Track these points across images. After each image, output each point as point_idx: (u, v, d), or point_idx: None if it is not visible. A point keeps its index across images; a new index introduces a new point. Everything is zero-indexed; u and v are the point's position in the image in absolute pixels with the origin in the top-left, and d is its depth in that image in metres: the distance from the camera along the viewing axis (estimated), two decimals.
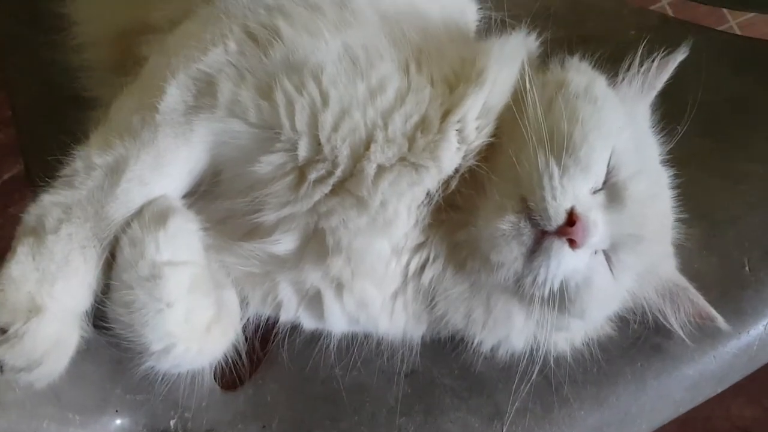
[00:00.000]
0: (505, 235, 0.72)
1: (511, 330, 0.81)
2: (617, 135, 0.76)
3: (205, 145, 0.75)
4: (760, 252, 0.91)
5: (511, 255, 0.72)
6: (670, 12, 1.83)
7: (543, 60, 0.88)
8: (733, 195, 0.93)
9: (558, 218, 0.71)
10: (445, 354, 0.85)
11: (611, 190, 0.75)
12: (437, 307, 0.80)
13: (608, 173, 0.75)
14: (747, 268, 0.90)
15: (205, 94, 0.73)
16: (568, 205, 0.71)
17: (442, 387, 0.85)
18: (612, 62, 0.86)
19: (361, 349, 0.84)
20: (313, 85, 0.73)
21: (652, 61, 0.85)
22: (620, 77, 0.85)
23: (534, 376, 0.81)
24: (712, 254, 0.90)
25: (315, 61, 0.74)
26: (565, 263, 0.72)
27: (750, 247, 0.91)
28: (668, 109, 0.87)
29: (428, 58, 0.78)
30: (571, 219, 0.71)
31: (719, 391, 0.91)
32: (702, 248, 0.90)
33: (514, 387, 0.81)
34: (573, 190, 0.72)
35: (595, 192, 0.75)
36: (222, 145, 0.75)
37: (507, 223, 0.71)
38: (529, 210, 0.71)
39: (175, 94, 0.73)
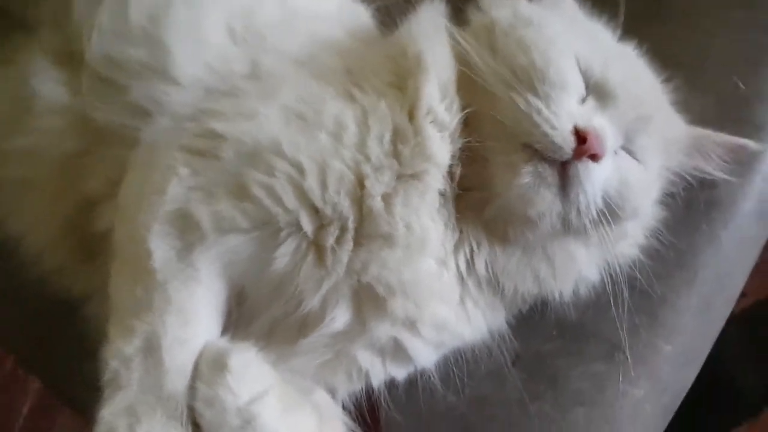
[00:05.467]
0: (531, 187, 0.70)
1: (580, 266, 0.79)
2: (571, 40, 0.75)
3: (215, 275, 0.71)
4: (741, 66, 0.90)
5: (546, 201, 0.70)
6: None
7: (457, 15, 0.86)
8: (689, 33, 0.93)
9: (568, 143, 0.69)
10: (536, 323, 0.82)
11: (596, 91, 0.74)
12: (505, 287, 0.78)
13: (584, 78, 0.74)
14: (741, 86, 0.89)
15: (187, 230, 0.70)
16: (569, 127, 0.69)
17: (550, 354, 0.82)
18: None
19: (460, 366, 0.81)
20: (280, 161, 0.70)
21: None
22: None
23: (624, 293, 0.79)
24: (704, 93, 0.88)
25: (267, 139, 0.70)
26: (597, 179, 0.70)
27: (731, 68, 0.90)
28: None
29: (362, 75, 0.76)
30: (581, 137, 0.69)
31: None
32: (693, 92, 0.88)
33: (613, 315, 0.79)
34: (565, 111, 0.70)
35: (583, 101, 0.73)
36: (231, 265, 0.71)
37: (526, 175, 0.69)
38: (538, 152, 0.70)
39: (161, 247, 0.70)
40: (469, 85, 0.74)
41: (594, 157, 0.69)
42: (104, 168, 0.79)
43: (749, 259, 0.87)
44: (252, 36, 0.79)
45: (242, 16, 0.80)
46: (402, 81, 0.75)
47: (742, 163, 0.84)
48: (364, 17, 0.93)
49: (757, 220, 0.87)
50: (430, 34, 0.76)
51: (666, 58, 0.85)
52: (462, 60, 0.75)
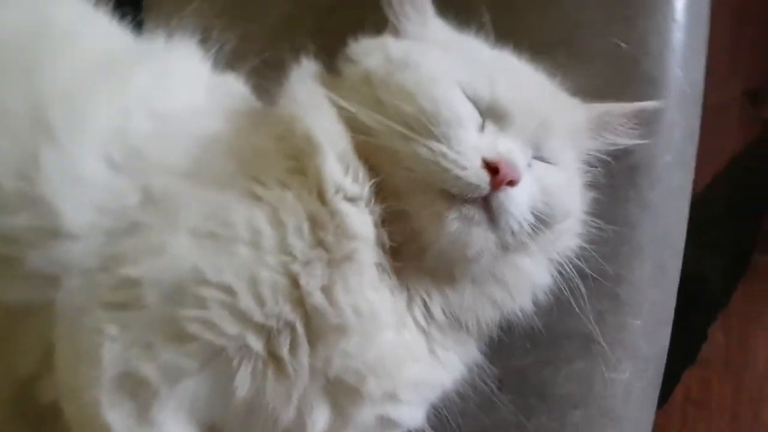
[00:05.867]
0: (461, 231, 0.69)
1: (531, 277, 0.78)
2: (450, 70, 0.73)
3: (182, 424, 0.67)
4: (617, 26, 0.90)
5: (480, 239, 0.69)
6: None
7: (328, 66, 0.83)
8: (557, 10, 0.92)
9: (482, 179, 0.68)
10: (508, 343, 0.82)
11: (491, 114, 0.73)
12: (468, 322, 0.77)
13: (476, 105, 0.73)
14: (623, 45, 0.89)
15: (138, 390, 0.66)
16: (478, 162, 0.68)
17: (531, 368, 0.83)
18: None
19: (450, 409, 0.80)
20: (207, 290, 0.66)
21: None
22: (391, 23, 0.82)
23: (579, 285, 0.79)
24: (589, 64, 0.88)
25: (185, 271, 0.67)
26: (520, 201, 0.70)
27: (608, 31, 0.90)
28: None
29: (259, 168, 0.72)
30: (492, 168, 0.68)
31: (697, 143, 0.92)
32: (578, 67, 0.88)
33: (576, 309, 0.79)
34: (469, 147, 0.69)
35: (482, 128, 0.72)
36: (194, 409, 0.68)
37: (452, 222, 0.68)
38: (455, 195, 0.68)
39: (117, 418, 0.66)
40: (368, 147, 0.72)
41: (511, 183, 0.68)
42: (32, 345, 0.74)
43: (683, 208, 0.89)
44: (131, 158, 0.74)
45: (115, 140, 0.74)
46: (300, 163, 0.72)
47: (648, 123, 0.84)
48: (236, 89, 0.89)
49: (679, 170, 0.88)
50: (312, 106, 0.74)
51: (542, 42, 0.84)
52: (352, 123, 0.73)
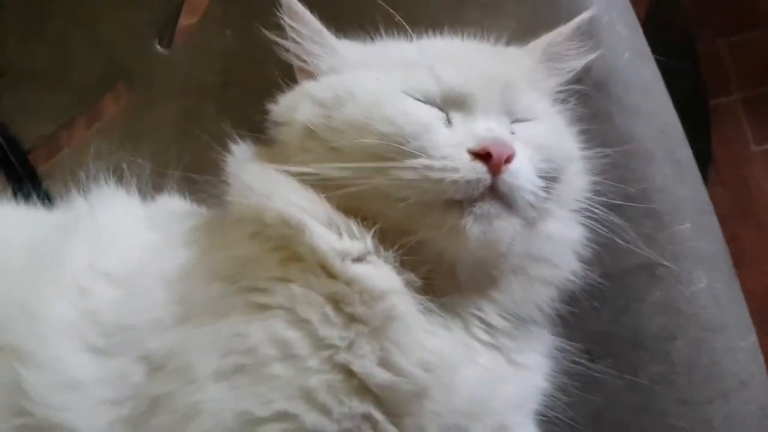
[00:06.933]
0: (485, 231, 0.62)
1: (566, 238, 0.72)
2: (388, 81, 0.67)
3: None
4: None
5: (506, 229, 0.64)
6: None
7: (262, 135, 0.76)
8: None
9: (479, 170, 0.62)
10: (578, 312, 0.75)
11: (451, 105, 0.67)
12: (529, 314, 0.71)
13: (431, 103, 0.67)
14: None
15: None
16: (466, 156, 0.62)
17: (610, 324, 0.77)
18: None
19: (557, 407, 0.72)
20: (265, 427, 0.59)
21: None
22: (300, 68, 0.75)
23: (613, 218, 0.72)
24: (499, 8, 0.83)
25: (232, 420, 0.59)
26: (524, 171, 0.64)
27: None
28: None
29: (249, 275, 0.64)
30: (483, 155, 0.62)
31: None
32: (491, 15, 0.83)
33: (623, 246, 0.72)
34: (449, 146, 0.63)
35: (450, 122, 0.66)
36: None
37: (472, 228, 0.62)
38: (462, 200, 0.62)
39: None
40: (349, 199, 0.64)
41: (508, 160, 0.62)
42: None
43: (665, 95, 0.83)
44: (114, 335, 0.66)
45: (86, 324, 0.66)
46: (289, 250, 0.65)
47: (591, 35, 0.79)
48: (176, 207, 0.81)
49: (641, 60, 0.83)
50: (270, 187, 0.66)
51: (448, 9, 0.78)
52: (320, 184, 0.65)
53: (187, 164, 0.84)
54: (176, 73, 0.92)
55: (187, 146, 0.87)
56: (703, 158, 1.58)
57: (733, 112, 1.58)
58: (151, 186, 0.82)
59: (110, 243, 0.73)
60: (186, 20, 0.91)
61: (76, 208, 0.77)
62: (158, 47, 0.92)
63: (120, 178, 0.81)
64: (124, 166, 0.84)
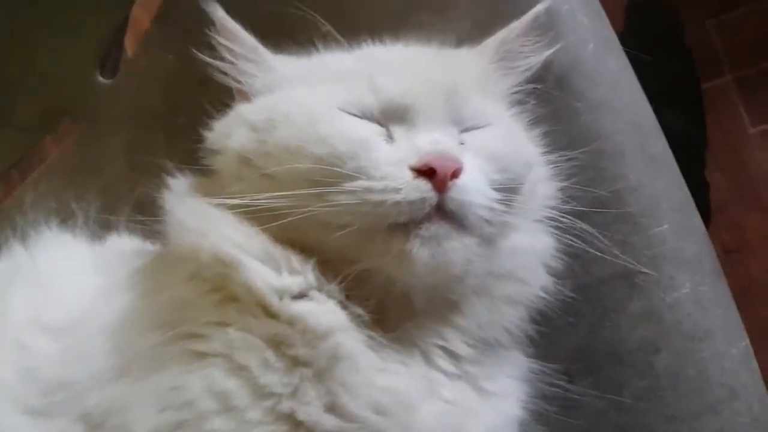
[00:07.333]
0: (434, 254, 0.57)
1: (532, 251, 0.67)
2: (323, 96, 0.62)
3: None
4: None
5: (458, 250, 0.58)
6: None
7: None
8: None
9: (422, 189, 0.56)
10: (550, 331, 0.69)
11: (390, 118, 0.61)
12: (496, 337, 0.65)
13: (370, 118, 0.61)
14: None
15: None
16: (408, 174, 0.57)
17: (587, 339, 0.72)
18: None
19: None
20: None
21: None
22: (236, 90, 0.70)
23: (582, 226, 0.66)
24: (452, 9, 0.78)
25: None
26: (474, 184, 0.58)
27: None
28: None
29: (185, 322, 0.60)
30: (426, 171, 0.56)
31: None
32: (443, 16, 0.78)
33: (595, 255, 0.67)
34: (390, 164, 0.58)
35: (391, 138, 0.61)
36: None
37: (419, 252, 0.57)
38: (406, 223, 0.57)
39: None
40: (287, 230, 0.59)
41: (455, 174, 0.57)
42: None
43: (635, 86, 0.77)
44: (53, 393, 0.62)
45: (24, 383, 0.63)
46: (226, 290, 0.60)
47: (549, 28, 0.73)
48: (124, 247, 0.77)
49: (607, 50, 0.77)
50: (204, 223, 0.61)
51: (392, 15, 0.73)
52: (256, 216, 0.60)
53: (137, 197, 0.80)
54: (121, 102, 0.88)
55: (136, 179, 0.82)
56: (699, 144, 1.52)
57: (727, 94, 1.51)
58: (100, 225, 0.78)
59: (51, 292, 0.69)
60: (128, 46, 0.87)
61: (14, 257, 0.73)
62: (100, 78, 0.88)
63: (65, 221, 0.78)
64: (73, 206, 0.80)
